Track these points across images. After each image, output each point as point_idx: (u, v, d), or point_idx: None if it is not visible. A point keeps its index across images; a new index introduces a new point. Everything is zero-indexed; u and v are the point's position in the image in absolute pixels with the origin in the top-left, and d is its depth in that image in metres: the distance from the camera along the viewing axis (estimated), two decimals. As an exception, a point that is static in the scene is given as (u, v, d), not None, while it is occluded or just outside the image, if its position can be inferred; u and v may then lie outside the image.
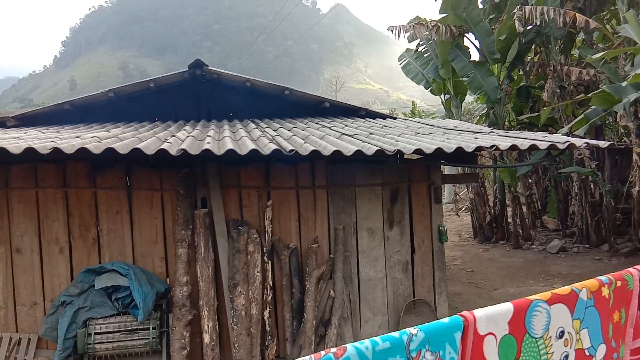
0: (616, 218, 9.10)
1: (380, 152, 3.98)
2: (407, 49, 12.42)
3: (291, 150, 3.96)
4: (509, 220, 11.41)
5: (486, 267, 9.20)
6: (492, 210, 11.29)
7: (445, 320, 1.36)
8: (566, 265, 9.01)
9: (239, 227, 4.89)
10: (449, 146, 4.04)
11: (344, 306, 5.07)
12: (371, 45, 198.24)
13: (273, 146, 4.02)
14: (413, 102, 30.35)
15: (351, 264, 5.27)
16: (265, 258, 4.99)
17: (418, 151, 4.00)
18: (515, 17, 8.40)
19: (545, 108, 9.06)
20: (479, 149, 4.10)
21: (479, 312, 1.42)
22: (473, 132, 5.56)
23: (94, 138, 4.36)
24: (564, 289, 1.56)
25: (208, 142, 4.23)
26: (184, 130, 5.48)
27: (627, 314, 1.64)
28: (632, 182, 7.85)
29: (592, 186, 9.82)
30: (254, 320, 4.75)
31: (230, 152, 3.95)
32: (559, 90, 9.37)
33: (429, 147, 4.04)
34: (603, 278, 1.61)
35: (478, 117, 14.67)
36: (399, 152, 4.11)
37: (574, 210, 10.74)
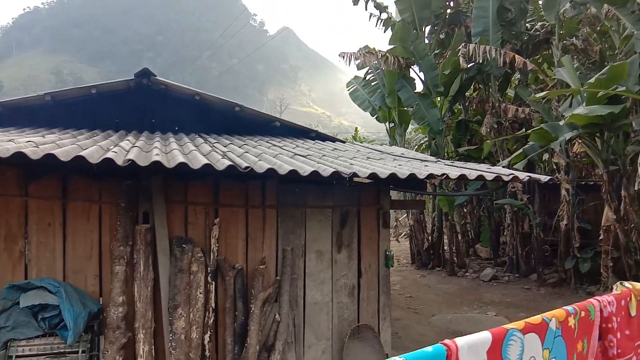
0: (544, 249, 9.66)
1: (336, 174, 3.97)
2: (355, 76, 12.72)
3: (246, 167, 3.85)
4: (445, 247, 11.79)
5: (424, 293, 9.40)
6: (430, 237, 11.63)
7: (429, 349, 1.33)
8: (498, 294, 9.40)
9: (183, 245, 4.66)
10: (402, 172, 4.10)
11: (288, 330, 4.94)
12: (316, 70, 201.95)
13: (227, 162, 3.89)
14: (356, 128, 31.03)
15: (298, 287, 5.17)
16: (209, 278, 4.78)
17: (372, 175, 4.03)
18: (460, 53, 8.85)
19: (488, 141, 9.55)
20: (431, 176, 4.20)
21: (460, 341, 1.40)
22: (421, 160, 5.71)
23: (29, 142, 4.02)
24: (535, 318, 1.58)
25: (157, 154, 4.04)
26: (127, 140, 5.22)
27: (588, 344, 1.69)
28: (560, 215, 8.38)
29: (522, 218, 10.39)
30: (193, 345, 4.51)
31: (182, 166, 3.78)
32: (496, 126, 9.93)
33: (383, 172, 4.08)
34: (569, 308, 1.65)
35: (416, 147, 15.23)
36: (352, 176, 4.12)
37: (505, 240, 11.29)
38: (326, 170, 4.01)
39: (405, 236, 14.21)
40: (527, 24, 10.66)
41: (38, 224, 4.45)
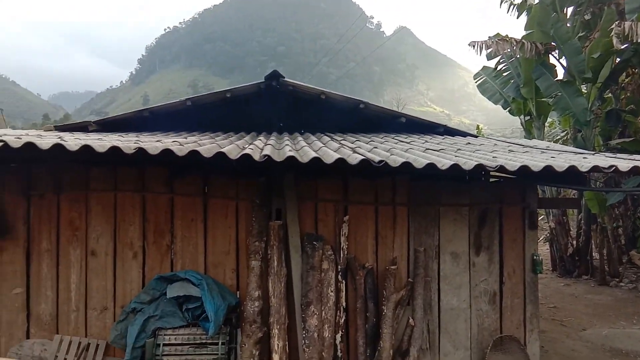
0: None
1: (480, 168, 3.58)
2: (484, 67, 11.85)
3: (380, 162, 3.64)
4: (594, 254, 10.42)
5: (570, 304, 8.36)
6: (575, 242, 10.35)
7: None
8: (664, 308, 8.02)
9: (314, 242, 4.61)
10: (560, 164, 3.57)
11: (423, 336, 4.63)
12: (433, 68, 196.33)
13: (360, 156, 3.72)
14: (478, 125, 29.35)
15: (431, 291, 4.83)
16: (339, 277, 4.67)
17: (523, 169, 3.56)
18: (613, 33, 7.71)
19: None
20: (595, 169, 3.59)
21: None
22: (574, 153, 5.01)
23: (174, 142, 4.27)
24: None
25: (290, 151, 4.02)
26: (259, 140, 5.34)
27: None
28: None
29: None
30: (326, 344, 4.42)
31: (315, 161, 3.70)
32: (660, 114, 8.50)
33: (536, 164, 3.58)
34: None
35: (554, 141, 13.72)
36: (498, 169, 3.69)
37: (671, 247, 9.63)
38: (467, 164, 3.64)
39: (545, 240, 12.88)
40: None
41: (182, 219, 4.72)
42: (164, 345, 4.11)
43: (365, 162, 3.67)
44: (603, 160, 3.91)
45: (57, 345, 4.35)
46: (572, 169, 3.56)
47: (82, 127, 6.43)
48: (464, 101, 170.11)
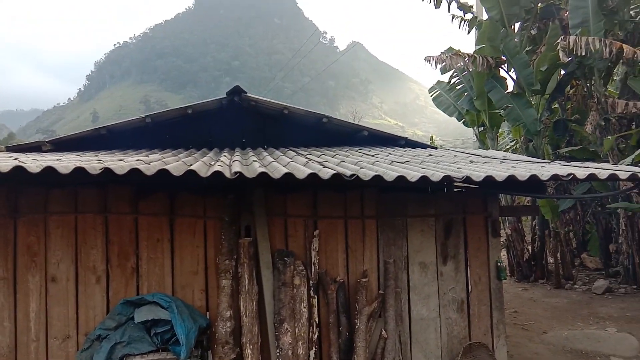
0: (669, 258, 8.57)
1: (447, 179, 3.69)
2: (438, 81, 12.28)
3: (352, 175, 3.68)
4: (548, 258, 10.88)
5: (529, 308, 8.67)
6: (531, 247, 10.78)
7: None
8: (615, 307, 8.45)
9: (285, 258, 4.58)
10: (522, 174, 3.73)
11: (396, 348, 4.67)
12: (386, 82, 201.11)
13: (331, 171, 3.75)
14: (431, 137, 30.20)
15: (402, 301, 4.90)
16: (311, 292, 4.66)
17: (488, 178, 3.70)
18: (559, 47, 8.19)
19: (609, 138, 8.59)
20: (555, 177, 3.78)
21: None
22: (532, 162, 5.24)
23: (139, 161, 4.15)
24: None
25: (260, 167, 4.00)
26: (224, 156, 5.27)
27: None
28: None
29: (639, 223, 9.32)
30: (300, 361, 4.38)
31: (287, 177, 3.69)
32: (603, 123, 9.04)
33: (499, 174, 3.73)
34: None
35: (504, 151, 14.33)
36: (464, 180, 3.82)
37: (617, 248, 10.20)
38: (435, 175, 3.74)
39: (502, 246, 13.34)
40: (631, 12, 9.68)
41: (148, 240, 4.57)
42: (133, 372, 3.94)
43: (337, 177, 3.70)
44: (561, 168, 4.12)
45: (15, 379, 4.08)
46: (534, 178, 3.74)
47: (36, 148, 6.15)
48: (416, 114, 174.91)
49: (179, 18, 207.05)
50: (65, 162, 3.91)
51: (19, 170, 3.20)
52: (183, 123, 6.86)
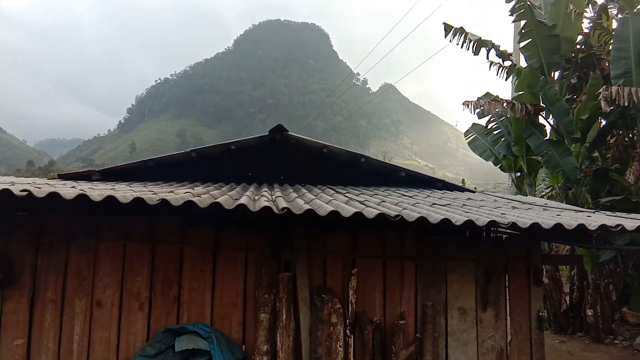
0: None
1: (494, 224, 3.70)
2: (474, 124, 12.31)
3: (396, 216, 3.74)
4: (587, 310, 10.44)
5: (566, 362, 8.31)
6: (569, 298, 10.39)
7: None
8: (661, 367, 8.00)
9: (323, 295, 4.60)
10: (569, 223, 3.70)
11: (433, 394, 4.55)
12: (418, 123, 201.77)
13: (376, 211, 3.82)
14: (463, 180, 29.90)
15: (439, 347, 4.80)
16: (347, 331, 4.63)
17: (535, 226, 3.68)
18: (601, 97, 8.16)
19: None
20: (603, 227, 3.73)
21: None
22: (575, 211, 5.18)
23: (188, 194, 4.32)
24: None
25: (305, 204, 4.10)
26: (265, 192, 5.41)
27: None
28: None
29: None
30: (335, 402, 4.32)
31: (332, 215, 3.77)
32: (646, 174, 8.86)
33: (546, 222, 3.71)
34: None
35: (543, 197, 14.05)
36: (509, 226, 3.81)
37: (662, 304, 9.73)
38: (480, 220, 3.75)
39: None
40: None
41: (191, 270, 4.69)
42: (171, 402, 3.98)
43: (382, 216, 3.76)
44: (609, 219, 4.07)
45: (56, 401, 4.17)
46: (581, 227, 3.70)
47: (86, 176, 6.44)
48: (447, 156, 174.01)
49: (218, 57, 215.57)
50: (121, 192, 4.12)
51: (81, 197, 3.40)
52: (225, 158, 7.07)
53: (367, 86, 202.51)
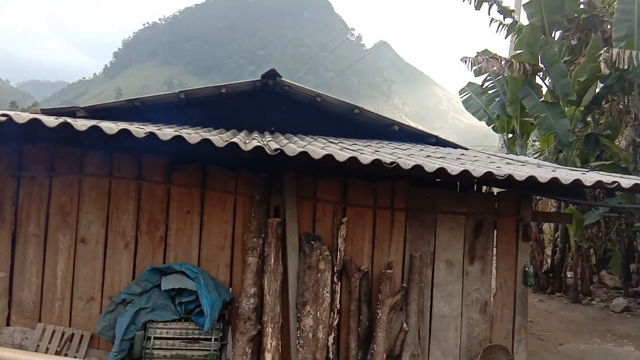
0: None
1: (490, 176, 3.63)
2: (470, 83, 12.12)
3: (392, 163, 3.64)
4: (567, 272, 10.71)
5: (545, 319, 8.55)
6: (550, 260, 10.62)
7: None
8: (634, 327, 8.28)
9: (312, 242, 4.57)
10: (566, 178, 3.65)
11: (415, 342, 4.63)
12: (410, 84, 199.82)
13: (371, 157, 3.71)
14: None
15: (424, 297, 4.85)
16: (335, 278, 4.64)
17: (531, 179, 3.63)
18: (601, 59, 8.01)
19: None
20: (598, 184, 3.69)
21: None
22: (569, 169, 5.14)
23: (176, 131, 4.16)
24: None
25: (299, 147, 3.97)
26: (255, 138, 5.26)
27: None
28: None
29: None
30: (319, 345, 4.37)
31: (326, 159, 3.66)
32: (639, 139, 8.84)
33: (543, 176, 3.66)
34: None
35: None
36: (505, 179, 3.74)
37: (638, 268, 10.00)
38: (476, 171, 3.68)
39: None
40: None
41: (178, 210, 4.60)
42: (155, 338, 3.98)
43: (377, 163, 3.66)
44: (605, 176, 4.03)
45: (39, 334, 4.15)
46: (577, 182, 3.66)
47: (71, 113, 6.18)
48: (437, 118, 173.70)
49: (209, 3, 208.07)
50: (115, 127, 3.94)
51: (65, 127, 3.22)
52: (214, 102, 6.83)
53: (361, 42, 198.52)
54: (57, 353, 4.10)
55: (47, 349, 4.09)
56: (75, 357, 4.16)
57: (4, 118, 3.02)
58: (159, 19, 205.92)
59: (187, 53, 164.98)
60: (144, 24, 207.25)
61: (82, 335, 4.28)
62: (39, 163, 4.40)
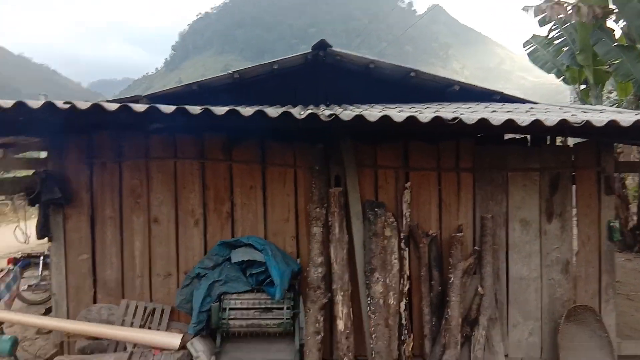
0: None
1: (565, 123, 3.33)
2: (534, 35, 11.30)
3: (454, 119, 3.43)
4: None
5: (634, 278, 7.99)
6: (636, 217, 9.84)
7: None
8: None
9: (376, 209, 4.47)
10: (655, 118, 3.28)
11: (492, 305, 4.45)
12: (468, 46, 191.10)
13: (431, 115, 3.53)
14: (520, 102, 28.34)
15: (499, 260, 4.63)
16: (402, 245, 4.53)
17: (611, 123, 3.29)
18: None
19: None
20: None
21: None
22: (655, 111, 4.64)
23: (232, 108, 4.18)
24: None
25: (353, 112, 3.86)
26: (310, 109, 5.19)
27: None
28: None
29: None
30: (391, 311, 4.32)
31: (383, 120, 3.50)
32: None
33: (625, 119, 3.30)
34: None
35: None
36: (583, 125, 3.42)
37: None
38: (549, 120, 3.39)
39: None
40: None
41: (241, 187, 4.67)
42: (230, 309, 4.09)
43: (438, 121, 3.47)
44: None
45: (123, 309, 4.40)
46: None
47: (134, 101, 6.42)
48: (500, 79, 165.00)
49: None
50: (172, 107, 4.02)
51: (124, 110, 3.30)
52: (268, 80, 6.83)
53: (412, 8, 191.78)
54: (141, 326, 4.33)
55: (132, 323, 4.33)
56: (158, 329, 4.38)
57: (67, 106, 3.14)
58: (211, 8, 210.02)
59: (241, 39, 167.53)
60: (197, 15, 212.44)
61: (162, 309, 4.50)
62: (108, 149, 4.60)
